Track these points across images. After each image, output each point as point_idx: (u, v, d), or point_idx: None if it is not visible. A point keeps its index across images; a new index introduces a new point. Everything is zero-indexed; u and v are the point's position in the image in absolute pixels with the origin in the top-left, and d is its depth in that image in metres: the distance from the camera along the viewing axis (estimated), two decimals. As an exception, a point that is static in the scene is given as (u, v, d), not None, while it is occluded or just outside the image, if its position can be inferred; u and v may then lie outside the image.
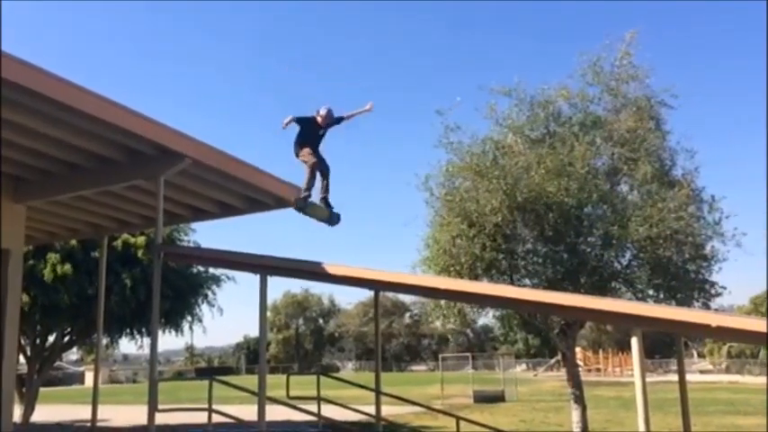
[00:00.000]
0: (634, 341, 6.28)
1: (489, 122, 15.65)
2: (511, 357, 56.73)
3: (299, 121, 9.82)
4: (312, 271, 9.27)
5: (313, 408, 11.93)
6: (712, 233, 14.15)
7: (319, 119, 9.99)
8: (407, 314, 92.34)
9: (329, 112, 10.02)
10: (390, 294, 68.45)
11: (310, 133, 10.00)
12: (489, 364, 63.29)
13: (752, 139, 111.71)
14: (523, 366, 66.87)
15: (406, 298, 68.16)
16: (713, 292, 14.61)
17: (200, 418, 10.18)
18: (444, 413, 14.23)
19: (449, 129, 15.18)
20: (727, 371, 55.15)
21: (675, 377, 34.96)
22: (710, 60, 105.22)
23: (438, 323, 19.73)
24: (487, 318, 18.99)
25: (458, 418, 11.42)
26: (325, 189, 10.06)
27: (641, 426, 6.19)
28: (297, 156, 10.05)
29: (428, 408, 14.90)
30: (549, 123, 15.20)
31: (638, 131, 14.49)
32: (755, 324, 5.52)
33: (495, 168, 14.42)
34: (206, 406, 9.85)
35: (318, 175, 9.97)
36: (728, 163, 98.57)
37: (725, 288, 14.66)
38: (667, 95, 14.78)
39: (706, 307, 14.58)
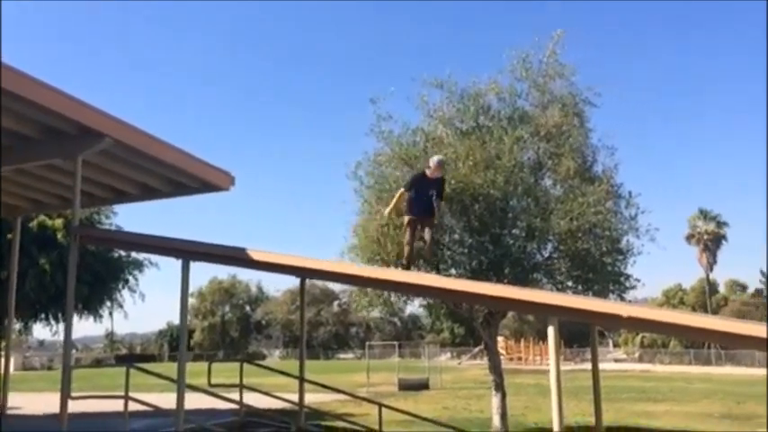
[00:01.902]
0: (550, 330, 6.49)
1: (421, 113, 15.78)
2: (436, 346, 57.66)
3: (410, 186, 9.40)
4: (236, 257, 9.13)
5: (236, 396, 11.79)
6: (628, 228, 14.74)
7: (428, 171, 9.50)
8: (336, 302, 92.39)
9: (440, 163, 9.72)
10: (320, 282, 68.31)
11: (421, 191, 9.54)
12: (416, 352, 64.15)
13: (666, 136, 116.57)
14: (448, 355, 68.04)
15: (336, 286, 68.06)
16: (628, 284, 15.23)
17: (118, 405, 9.90)
18: (368, 401, 14.35)
19: (381, 118, 15.23)
20: (640, 360, 57.80)
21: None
22: (630, 59, 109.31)
23: (365, 312, 19.80)
24: (414, 307, 19.22)
25: (380, 406, 11.53)
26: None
27: (554, 411, 6.42)
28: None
29: (352, 395, 14.99)
30: (479, 116, 15.41)
31: (564, 128, 14.90)
32: (755, 329, 5.39)
33: (424, 159, 14.55)
34: (123, 393, 9.58)
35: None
36: (644, 159, 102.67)
37: (639, 280, 15.32)
38: (591, 94, 15.23)
39: (621, 299, 15.20)
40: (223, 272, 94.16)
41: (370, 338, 75.66)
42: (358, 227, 15.58)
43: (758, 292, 61.46)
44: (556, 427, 6.54)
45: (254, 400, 12.56)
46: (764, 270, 57.02)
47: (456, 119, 15.44)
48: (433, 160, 9.92)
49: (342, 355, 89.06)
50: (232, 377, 11.94)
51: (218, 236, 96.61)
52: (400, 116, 15.49)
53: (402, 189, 9.17)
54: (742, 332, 5.77)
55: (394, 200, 9.03)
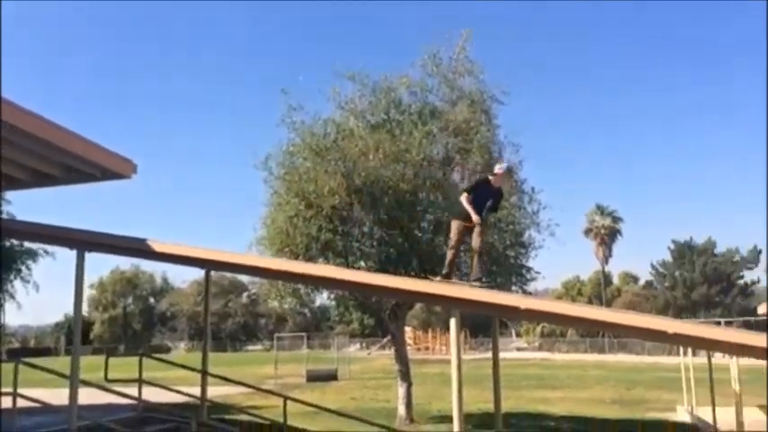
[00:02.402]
0: (452, 322, 6.66)
1: (332, 105, 15.76)
2: (345, 337, 57.88)
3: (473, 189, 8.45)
4: (136, 248, 8.81)
5: (135, 391, 11.41)
6: (530, 222, 15.34)
7: (492, 179, 8.53)
8: (245, 293, 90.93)
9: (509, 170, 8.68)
10: (229, 273, 66.95)
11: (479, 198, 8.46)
12: (325, 343, 64.20)
13: (570, 136, 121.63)
14: (358, 346, 68.49)
15: (245, 277, 67.09)
16: (529, 276, 15.86)
17: (7, 402, 9.35)
18: (273, 393, 14.22)
19: (292, 108, 15.10)
20: (540, 349, 60.20)
21: (499, 355, 37.26)
22: (537, 59, 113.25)
23: (275, 303, 19.62)
24: (324, 298, 19.22)
25: (285, 398, 11.45)
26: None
27: (454, 399, 6.63)
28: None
29: (256, 388, 14.79)
30: (390, 110, 15.56)
31: (472, 124, 15.25)
32: (755, 339, 5.57)
33: (334, 150, 14.55)
34: (11, 390, 9.06)
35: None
36: (547, 156, 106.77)
37: (539, 273, 15.99)
38: (498, 92, 15.68)
39: (522, 290, 15.78)
40: (126, 262, 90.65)
41: (279, 330, 75.06)
42: (267, 218, 15.42)
43: (648, 284, 65.26)
44: (456, 414, 6.74)
45: (154, 394, 12.19)
46: (654, 263, 60.73)
47: (367, 111, 15.52)
48: (501, 167, 8.82)
49: (250, 347, 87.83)
50: (133, 371, 11.53)
51: (123, 226, 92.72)
52: (312, 107, 15.45)
53: (465, 193, 8.35)
54: (627, 323, 6.15)
55: (467, 204, 7.93)
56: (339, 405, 18.81)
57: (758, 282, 56.71)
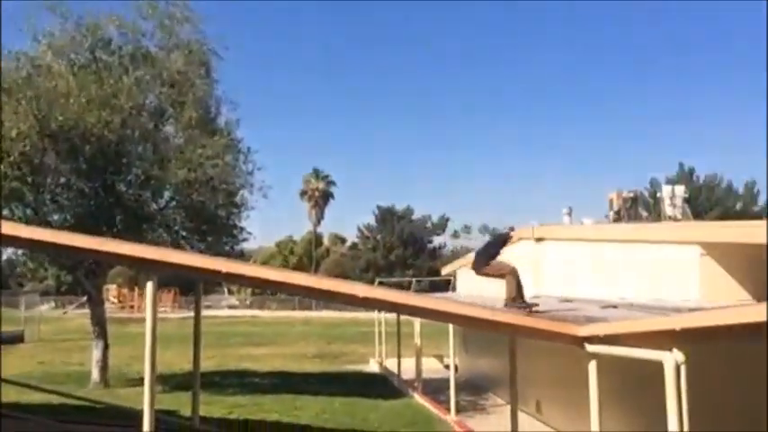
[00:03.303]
0: (149, 285, 6.38)
1: (27, 37, 13.85)
2: (36, 294, 52.32)
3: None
4: None
5: None
6: (245, 182, 15.31)
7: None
8: None
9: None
10: None
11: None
12: (12, 301, 57.23)
13: (298, 93, 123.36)
14: (53, 304, 62.41)
15: None
16: (241, 237, 15.89)
17: None
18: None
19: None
20: (251, 306, 61.17)
21: (210, 312, 37.25)
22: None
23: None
24: (10, 252, 17.12)
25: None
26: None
27: (147, 359, 6.45)
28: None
29: None
30: (96, 50, 14.19)
31: (189, 75, 14.60)
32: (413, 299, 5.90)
33: (27, 88, 12.85)
34: None
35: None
36: (271, 115, 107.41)
37: (251, 233, 16.14)
38: (219, 46, 15.23)
39: (233, 249, 15.79)
40: None
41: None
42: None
43: (354, 246, 69.98)
44: (147, 377, 6.58)
45: None
46: (360, 226, 65.28)
47: (68, 48, 13.96)
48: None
49: None
50: None
51: None
52: (5, 37, 13.41)
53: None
54: (324, 287, 6.51)
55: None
56: (23, 371, 17.04)
57: (445, 246, 64.47)
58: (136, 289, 58.63)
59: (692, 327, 4.64)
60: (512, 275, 9.10)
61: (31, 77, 13.21)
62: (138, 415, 7.00)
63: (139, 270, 6.77)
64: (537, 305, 8.95)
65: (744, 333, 4.16)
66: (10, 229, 6.37)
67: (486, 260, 9.21)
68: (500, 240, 9.48)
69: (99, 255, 6.78)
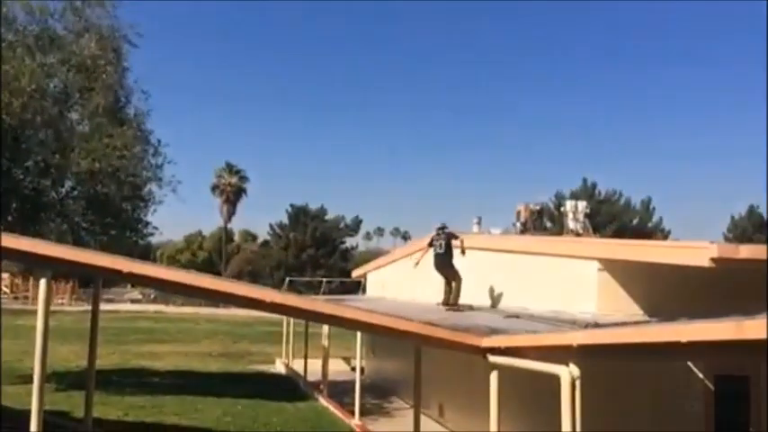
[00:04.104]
0: (42, 282, 6.06)
1: None
2: None
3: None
4: None
5: None
6: (152, 176, 14.78)
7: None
8: None
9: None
10: None
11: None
12: None
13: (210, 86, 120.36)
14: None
15: None
16: (146, 231, 15.36)
17: None
18: None
19: None
20: (155, 301, 59.16)
21: (111, 306, 35.70)
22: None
23: None
24: None
25: None
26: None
27: (37, 361, 6.15)
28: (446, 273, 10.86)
29: None
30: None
31: (100, 61, 13.98)
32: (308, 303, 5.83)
33: None
34: None
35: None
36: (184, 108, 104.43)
37: (157, 228, 15.63)
38: (132, 32, 14.67)
39: (137, 244, 15.24)
40: None
41: None
42: None
43: (265, 243, 68.96)
44: (36, 379, 6.29)
45: None
46: (272, 224, 64.37)
47: (-31, 25, 13.07)
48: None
49: None
50: None
51: None
52: None
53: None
54: (229, 290, 6.39)
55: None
56: None
57: (356, 247, 64.63)
58: (30, 279, 55.58)
59: (587, 343, 4.86)
60: (460, 283, 10.75)
61: None
62: (26, 417, 6.64)
63: (35, 266, 6.41)
64: (472, 308, 10.59)
65: (637, 351, 4.41)
66: None
67: (449, 261, 10.87)
68: (451, 242, 10.93)
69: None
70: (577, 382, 4.96)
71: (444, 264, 10.88)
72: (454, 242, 10.91)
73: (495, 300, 11.22)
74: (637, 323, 6.18)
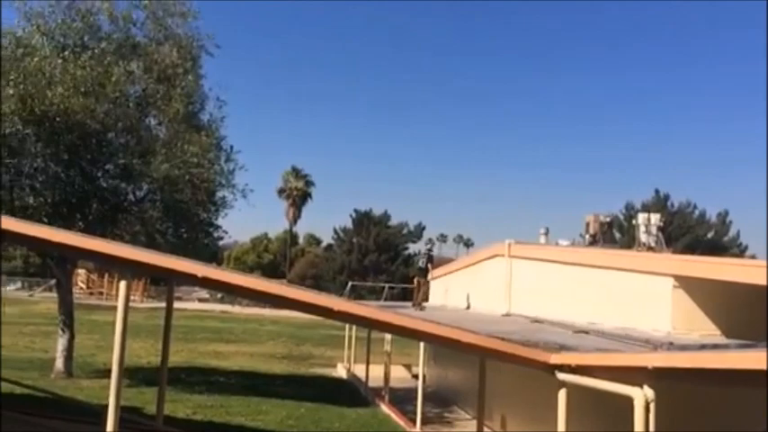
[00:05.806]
0: (122, 284, 6.30)
1: (18, 15, 13.67)
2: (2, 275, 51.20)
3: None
4: None
5: None
6: (225, 182, 15.16)
7: None
8: None
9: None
10: None
11: None
12: (-23, 281, 56.00)
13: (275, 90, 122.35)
14: (19, 285, 61.28)
15: None
16: (217, 234, 15.80)
17: None
18: None
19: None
20: (222, 301, 60.55)
21: (180, 305, 36.45)
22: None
23: None
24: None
25: None
26: None
27: (115, 363, 6.38)
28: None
29: None
30: (86, 36, 14.01)
31: (179, 70, 14.46)
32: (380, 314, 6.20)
33: (13, 69, 12.63)
34: None
35: None
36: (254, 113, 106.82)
37: (227, 232, 16.16)
38: (211, 43, 15.13)
39: (207, 246, 15.69)
40: None
41: None
42: None
43: (329, 247, 69.68)
44: (114, 373, 6.52)
45: None
46: (336, 228, 65.10)
47: (58, 31, 13.76)
48: None
49: None
50: None
51: None
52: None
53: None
54: (297, 297, 6.49)
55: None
56: (-16, 355, 16.69)
57: (419, 254, 64.51)
58: (106, 275, 57.90)
59: (664, 366, 4.71)
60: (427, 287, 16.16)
61: (18, 58, 12.99)
62: (103, 412, 6.91)
63: (114, 267, 6.67)
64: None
65: (715, 377, 4.24)
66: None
67: (425, 274, 16.40)
68: (429, 257, 17.32)
69: (71, 250, 6.67)
70: (651, 405, 4.81)
71: (422, 275, 16.61)
72: (430, 265, 16.98)
73: (561, 312, 11.00)
74: (716, 346, 5.93)
